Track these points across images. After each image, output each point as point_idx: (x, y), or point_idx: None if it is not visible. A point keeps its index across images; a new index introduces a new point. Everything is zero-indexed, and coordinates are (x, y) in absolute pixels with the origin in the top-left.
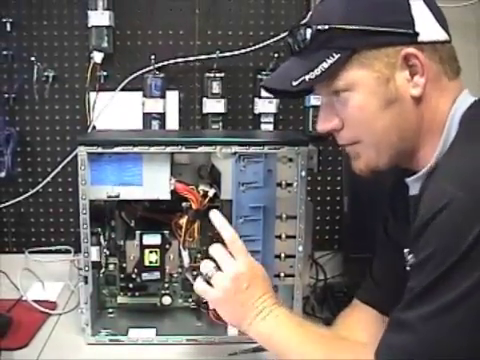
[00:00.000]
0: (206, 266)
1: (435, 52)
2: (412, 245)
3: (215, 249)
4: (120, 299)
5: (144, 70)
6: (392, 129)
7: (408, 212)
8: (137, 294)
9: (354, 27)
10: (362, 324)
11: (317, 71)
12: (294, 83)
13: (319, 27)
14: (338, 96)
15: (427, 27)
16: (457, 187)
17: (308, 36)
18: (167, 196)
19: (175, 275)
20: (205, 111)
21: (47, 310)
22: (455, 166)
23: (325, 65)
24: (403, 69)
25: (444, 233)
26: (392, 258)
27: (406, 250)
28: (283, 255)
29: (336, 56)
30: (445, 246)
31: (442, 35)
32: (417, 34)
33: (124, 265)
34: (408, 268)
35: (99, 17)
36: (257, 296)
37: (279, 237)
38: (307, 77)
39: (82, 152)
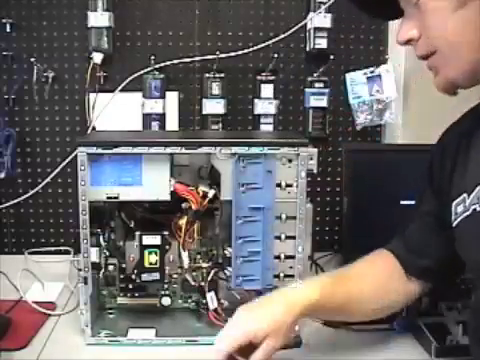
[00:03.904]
0: None
1: None
2: None
3: None
4: (120, 300)
5: (144, 71)
6: (466, 31)
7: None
8: (137, 295)
9: None
10: (378, 262)
11: None
12: None
13: None
14: (418, 3)
15: None
16: None
17: None
18: (167, 197)
19: (175, 276)
20: (205, 112)
21: (47, 311)
22: None
23: None
24: None
25: None
26: (432, 214)
27: (456, 201)
28: (283, 256)
29: None
30: None
31: None
32: None
33: (124, 266)
34: (458, 220)
35: (99, 18)
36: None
37: (279, 238)
38: None
39: (82, 153)
